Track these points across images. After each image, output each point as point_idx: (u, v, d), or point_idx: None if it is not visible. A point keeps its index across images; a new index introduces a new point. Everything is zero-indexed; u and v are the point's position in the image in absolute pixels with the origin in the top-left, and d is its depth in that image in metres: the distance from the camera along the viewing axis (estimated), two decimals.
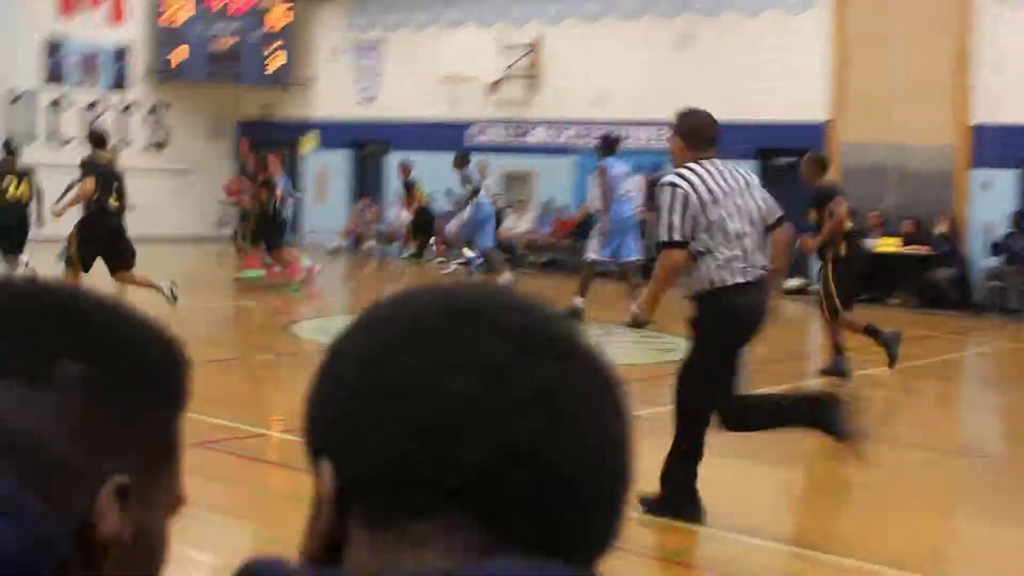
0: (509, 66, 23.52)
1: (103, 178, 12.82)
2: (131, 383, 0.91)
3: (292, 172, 27.16)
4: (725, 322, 6.24)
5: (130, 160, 25.32)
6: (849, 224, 11.36)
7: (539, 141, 23.74)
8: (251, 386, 9.76)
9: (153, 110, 27.07)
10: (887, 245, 19.12)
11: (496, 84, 23.78)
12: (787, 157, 20.86)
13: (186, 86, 27.17)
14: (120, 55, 26.36)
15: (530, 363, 0.89)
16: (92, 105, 25.88)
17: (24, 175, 14.84)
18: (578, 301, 14.35)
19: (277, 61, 27.05)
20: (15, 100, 24.72)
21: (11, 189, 14.42)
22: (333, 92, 26.89)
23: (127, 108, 26.60)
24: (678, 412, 6.30)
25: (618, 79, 22.51)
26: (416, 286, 0.99)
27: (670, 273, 6.40)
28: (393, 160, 24.81)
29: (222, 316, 15.31)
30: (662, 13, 22.21)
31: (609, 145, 14.89)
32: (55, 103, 25.38)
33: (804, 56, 20.65)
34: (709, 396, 6.24)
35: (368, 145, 26.52)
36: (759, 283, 6.31)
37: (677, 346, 13.25)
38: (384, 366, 0.90)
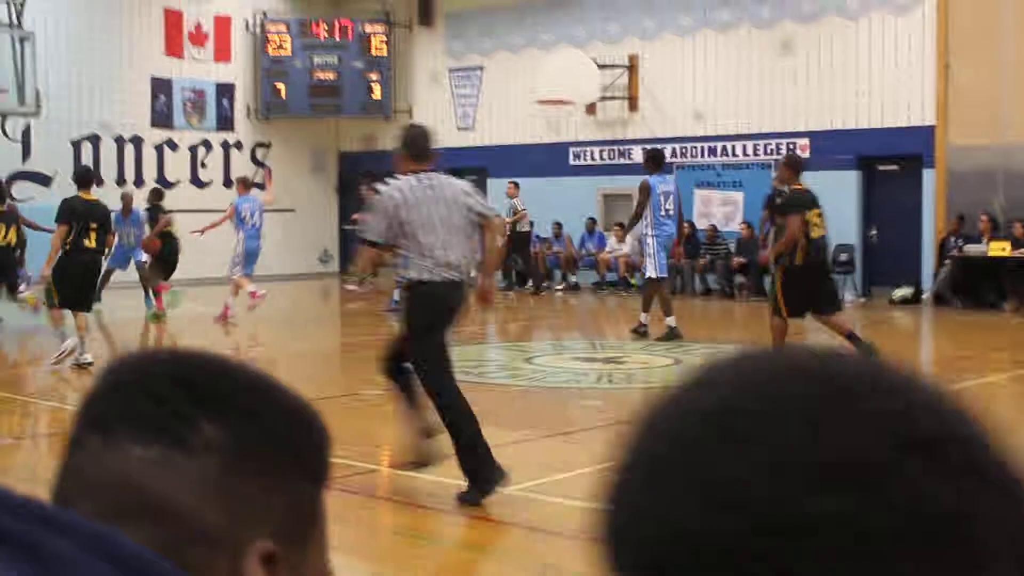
0: (606, 86, 23.47)
1: (79, 218, 12.93)
2: (271, 450, 0.91)
3: None
4: (422, 310, 7.08)
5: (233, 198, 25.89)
6: (818, 232, 11.40)
7: (639, 160, 23.61)
8: (361, 422, 9.81)
9: (256, 147, 27.52)
10: (997, 249, 18.69)
11: (593, 105, 23.74)
12: (890, 164, 20.57)
13: (289, 121, 27.59)
14: (225, 93, 26.85)
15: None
16: (197, 146, 26.39)
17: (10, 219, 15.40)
18: (643, 317, 14.91)
19: (376, 91, 27.34)
20: (121, 141, 25.28)
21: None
22: (432, 119, 27.05)
23: (231, 147, 27.06)
24: (430, 399, 7.06)
25: (717, 92, 22.35)
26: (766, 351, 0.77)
27: (367, 266, 7.75)
28: (493, 185, 24.94)
29: (328, 352, 15.46)
30: (759, 22, 21.99)
31: (656, 162, 15.00)
32: (163, 144, 25.90)
33: (907, 59, 20.32)
34: (436, 370, 7.02)
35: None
36: (457, 281, 7.14)
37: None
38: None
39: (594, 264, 23.48)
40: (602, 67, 23.39)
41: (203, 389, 0.91)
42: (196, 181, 26.26)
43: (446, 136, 26.54)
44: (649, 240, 14.73)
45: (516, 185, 23.18)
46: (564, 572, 5.95)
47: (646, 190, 14.64)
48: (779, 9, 21.75)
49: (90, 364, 12.56)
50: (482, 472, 6.86)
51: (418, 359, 7.11)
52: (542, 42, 24.97)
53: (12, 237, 15.62)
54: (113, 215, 14.97)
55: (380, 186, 7.33)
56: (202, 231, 18.47)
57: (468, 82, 26.45)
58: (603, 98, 23.56)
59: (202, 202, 25.84)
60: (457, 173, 27.79)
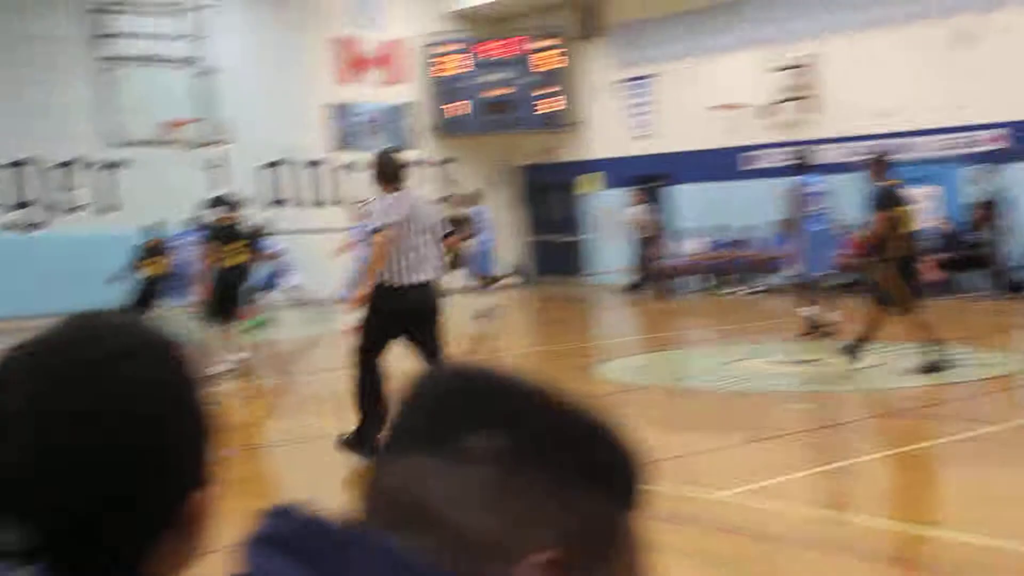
0: (782, 88, 23.12)
1: (217, 240, 14.04)
2: (553, 463, 0.91)
3: (573, 213, 27.54)
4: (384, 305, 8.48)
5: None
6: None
7: (819, 161, 23.16)
8: None
9: (438, 165, 27.90)
10: None
11: (771, 107, 23.41)
12: None
13: (466, 138, 27.91)
14: (402, 113, 27.31)
15: None
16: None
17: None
18: (806, 311, 14.84)
19: (552, 104, 27.46)
20: (306, 167, 25.92)
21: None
22: (608, 130, 27.06)
23: (414, 165, 27.49)
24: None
25: (897, 89, 21.80)
26: None
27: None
28: (676, 193, 24.85)
29: (527, 360, 15.55)
30: (937, 15, 21.35)
31: (804, 163, 15.39)
32: (341, 167, 26.46)
33: None
34: (366, 345, 8.47)
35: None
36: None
37: (994, 361, 12.71)
38: None
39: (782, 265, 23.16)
40: (778, 69, 23.03)
41: (485, 402, 0.92)
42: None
43: (624, 146, 26.57)
44: (799, 237, 14.95)
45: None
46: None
47: (797, 190, 15.00)
48: (956, 1, 21.07)
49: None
50: (364, 435, 8.34)
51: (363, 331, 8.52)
52: (714, 47, 24.72)
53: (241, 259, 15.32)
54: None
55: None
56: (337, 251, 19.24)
57: (641, 91, 26.35)
58: (779, 100, 23.20)
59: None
60: (640, 181, 27.86)
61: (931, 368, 11.33)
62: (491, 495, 0.89)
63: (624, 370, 13.41)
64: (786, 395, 11.24)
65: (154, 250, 18.53)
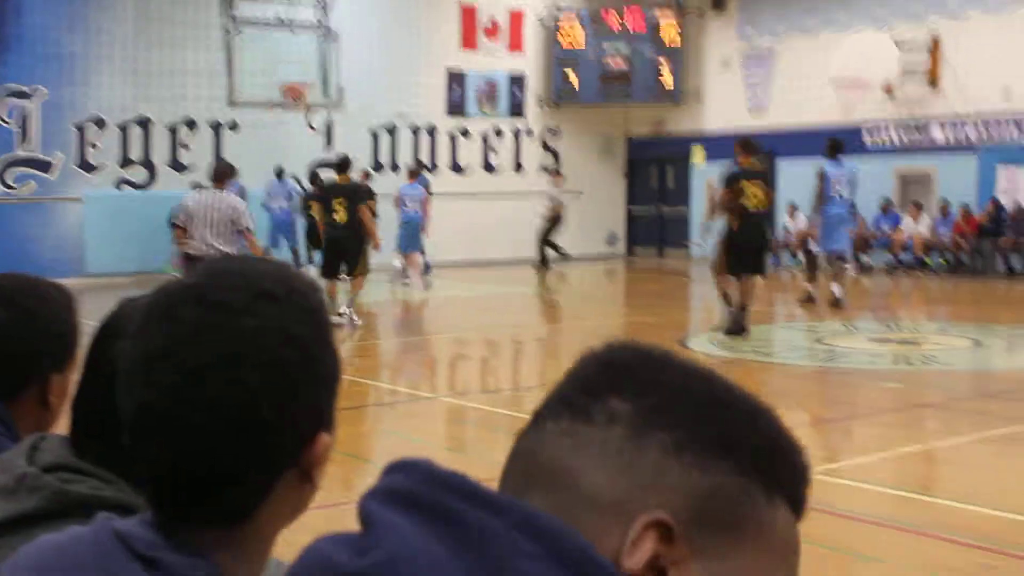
0: (906, 65, 22.65)
1: (323, 200, 14.77)
2: (682, 429, 0.90)
3: (684, 185, 27.35)
4: None
5: (526, 184, 26.28)
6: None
7: (938, 140, 22.70)
8: None
9: (547, 134, 27.90)
10: None
11: (891, 85, 22.98)
12: None
13: (579, 108, 27.86)
14: (517, 83, 27.34)
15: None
16: (489, 133, 26.98)
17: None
18: (838, 290, 16.07)
19: (668, 76, 27.26)
20: (417, 130, 26.09)
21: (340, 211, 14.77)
22: (723, 103, 26.80)
23: (523, 133, 27.53)
24: None
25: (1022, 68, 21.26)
26: None
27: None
28: (783, 165, 24.57)
29: (619, 332, 15.53)
30: None
31: (833, 148, 16.14)
32: (459, 133, 26.59)
33: None
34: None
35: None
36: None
37: None
38: None
39: (888, 244, 22.82)
40: (901, 46, 22.58)
41: (620, 369, 0.93)
42: (488, 167, 26.85)
43: (737, 119, 26.32)
44: (820, 218, 16.27)
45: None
46: (864, 557, 5.80)
47: (821, 175, 16.09)
48: None
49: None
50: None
51: None
52: (838, 23, 24.30)
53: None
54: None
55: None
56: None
57: (760, 66, 26.03)
58: (902, 77, 22.75)
59: (493, 186, 26.50)
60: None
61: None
62: (616, 456, 0.89)
63: (714, 343, 13.34)
64: (878, 373, 11.08)
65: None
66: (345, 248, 14.51)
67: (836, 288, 16.04)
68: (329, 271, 14.55)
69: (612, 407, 0.90)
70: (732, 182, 13.24)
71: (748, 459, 0.90)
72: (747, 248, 13.14)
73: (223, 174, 11.94)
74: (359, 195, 14.79)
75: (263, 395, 1.16)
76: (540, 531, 0.84)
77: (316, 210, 15.32)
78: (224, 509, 1.19)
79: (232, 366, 1.15)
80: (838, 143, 16.33)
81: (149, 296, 1.24)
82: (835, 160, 16.10)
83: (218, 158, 20.71)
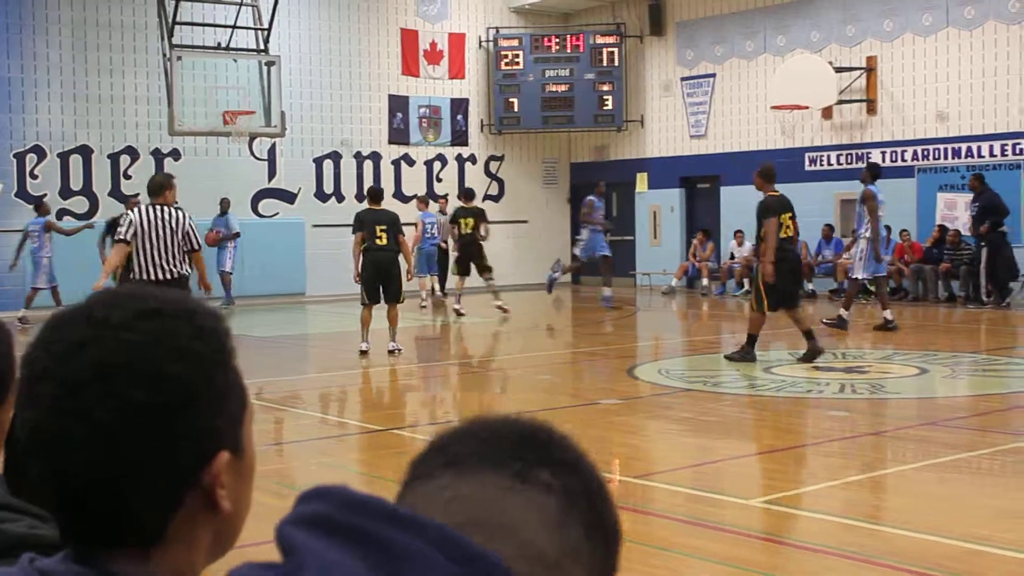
0: (843, 89, 22.93)
1: (365, 226, 14.86)
2: (587, 512, 1.02)
3: (628, 212, 27.45)
4: None
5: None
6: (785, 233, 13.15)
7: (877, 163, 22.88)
8: (598, 431, 9.82)
9: (489, 161, 27.94)
10: None
11: (830, 109, 23.23)
12: None
13: (521, 135, 27.92)
14: (459, 108, 27.37)
15: None
16: (433, 160, 26.98)
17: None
18: (844, 313, 16.49)
19: (608, 102, 27.40)
20: (360, 158, 26.01)
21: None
22: (665, 128, 26.98)
23: (465, 160, 27.55)
24: None
25: (961, 92, 21.56)
26: None
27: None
28: (726, 193, 24.74)
29: (565, 362, 15.55)
30: (1006, 18, 21.08)
31: (874, 173, 16.43)
32: (400, 160, 26.56)
33: None
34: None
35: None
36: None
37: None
38: None
39: (831, 271, 22.96)
40: (839, 70, 22.85)
41: (541, 445, 1.03)
42: (431, 194, 26.90)
43: (678, 145, 26.50)
44: (870, 243, 16.35)
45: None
46: None
47: (872, 198, 16.17)
48: None
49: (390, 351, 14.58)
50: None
51: None
52: (776, 47, 24.57)
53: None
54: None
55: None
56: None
57: (700, 90, 26.25)
58: (840, 101, 23.02)
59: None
60: (689, 182, 28.02)
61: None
62: (554, 524, 0.98)
63: (660, 373, 13.40)
64: (825, 402, 11.15)
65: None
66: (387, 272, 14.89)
67: (888, 313, 16.49)
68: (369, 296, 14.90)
69: (545, 479, 0.99)
70: (773, 214, 13.14)
71: (613, 546, 1.04)
72: (788, 281, 13.27)
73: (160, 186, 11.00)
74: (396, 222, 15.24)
75: (146, 409, 1.15)
76: (461, 551, 0.88)
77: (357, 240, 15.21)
78: (125, 529, 1.17)
79: (110, 379, 1.15)
80: (878, 168, 16.71)
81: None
82: (875, 185, 16.30)
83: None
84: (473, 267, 20.08)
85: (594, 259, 20.95)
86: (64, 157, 22.33)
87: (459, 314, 19.97)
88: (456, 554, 0.88)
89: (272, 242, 24.14)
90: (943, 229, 21.34)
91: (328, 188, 25.34)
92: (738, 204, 24.55)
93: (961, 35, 21.69)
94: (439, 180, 27.02)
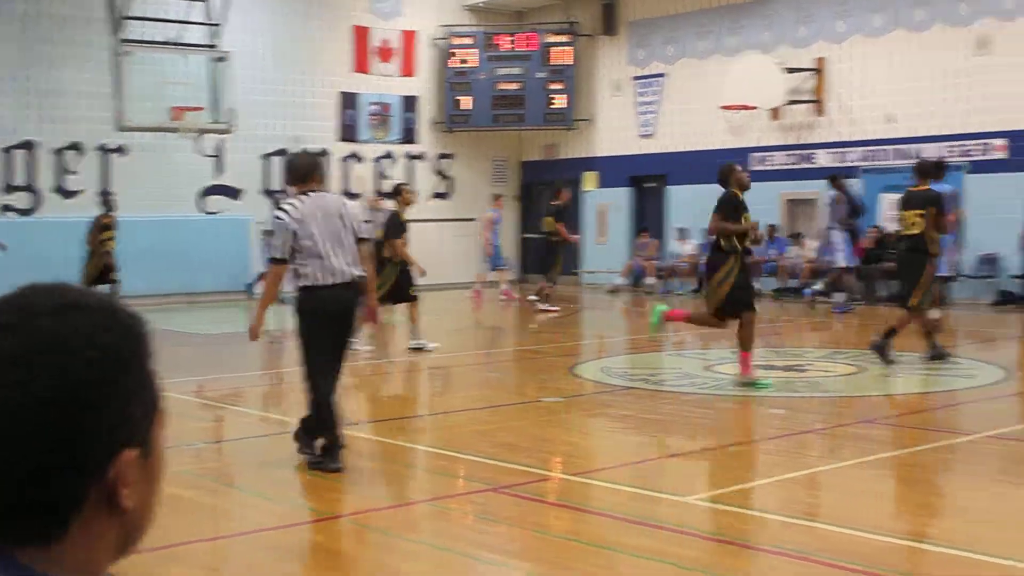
0: (792, 90, 23.08)
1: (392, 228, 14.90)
2: None
3: (574, 211, 27.52)
4: (306, 313, 7.94)
5: (418, 211, 26.31)
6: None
7: (824, 165, 23.06)
8: (540, 429, 9.83)
9: (439, 159, 27.90)
10: None
11: (778, 109, 23.38)
12: None
13: (471, 133, 27.90)
14: (410, 105, 27.30)
15: None
16: (382, 158, 26.90)
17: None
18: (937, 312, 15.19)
19: (559, 101, 27.44)
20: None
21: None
22: (614, 128, 27.04)
23: (415, 158, 27.50)
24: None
25: (908, 94, 21.74)
26: None
27: (272, 284, 8.13)
28: (672, 192, 24.80)
29: (510, 360, 15.56)
30: (954, 21, 21.26)
31: (941, 170, 15.19)
32: (348, 157, 26.47)
33: None
34: (310, 367, 7.93)
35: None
36: (347, 284, 7.95)
37: (977, 372, 12.73)
38: None
39: (774, 271, 23.11)
40: (789, 71, 23.00)
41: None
42: (380, 193, 26.82)
43: (628, 144, 26.56)
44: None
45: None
46: None
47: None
48: (976, 6, 20.97)
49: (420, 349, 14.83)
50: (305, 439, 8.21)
51: (302, 352, 8.00)
52: (727, 48, 24.69)
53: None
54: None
55: (276, 210, 8.22)
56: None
57: (650, 90, 26.33)
58: (789, 102, 23.17)
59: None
60: (638, 181, 28.10)
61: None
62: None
63: (602, 371, 13.43)
64: (763, 400, 11.21)
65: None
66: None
67: (937, 312, 15.42)
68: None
69: None
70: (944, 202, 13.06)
71: None
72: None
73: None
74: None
75: (53, 400, 1.15)
76: None
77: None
78: (24, 524, 1.17)
79: (22, 365, 1.16)
80: (944, 165, 15.37)
81: None
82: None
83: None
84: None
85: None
86: (8, 152, 22.07)
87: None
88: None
89: (217, 239, 23.98)
90: (880, 229, 21.37)
91: (276, 185, 25.22)
92: (684, 203, 24.68)
93: (910, 37, 21.88)
94: (386, 177, 26.93)
